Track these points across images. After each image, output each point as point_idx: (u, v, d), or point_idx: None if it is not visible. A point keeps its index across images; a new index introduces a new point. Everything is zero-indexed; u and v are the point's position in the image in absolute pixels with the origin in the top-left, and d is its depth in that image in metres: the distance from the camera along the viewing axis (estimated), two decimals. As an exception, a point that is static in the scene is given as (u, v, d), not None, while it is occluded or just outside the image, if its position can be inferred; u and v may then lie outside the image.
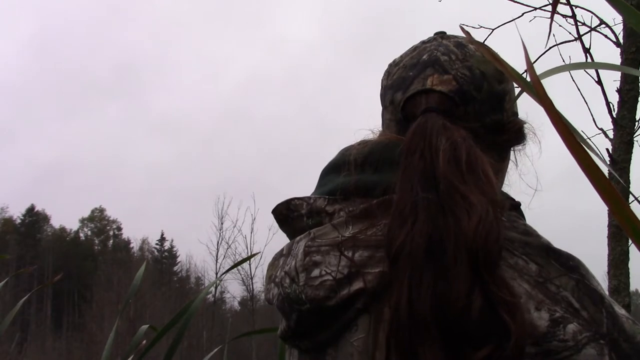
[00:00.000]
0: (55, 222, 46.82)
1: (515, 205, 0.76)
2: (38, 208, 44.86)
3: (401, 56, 0.89)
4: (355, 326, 0.70)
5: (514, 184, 0.89)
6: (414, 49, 0.88)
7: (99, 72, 60.91)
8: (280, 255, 0.80)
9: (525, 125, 0.89)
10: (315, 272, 0.72)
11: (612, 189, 0.30)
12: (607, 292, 0.68)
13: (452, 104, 0.80)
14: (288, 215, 0.81)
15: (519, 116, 0.89)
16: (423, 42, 0.88)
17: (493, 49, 0.89)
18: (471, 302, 0.63)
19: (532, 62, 0.35)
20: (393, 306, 0.66)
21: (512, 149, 0.89)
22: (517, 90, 0.89)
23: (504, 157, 0.87)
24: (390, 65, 0.90)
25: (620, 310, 0.66)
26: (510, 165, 0.91)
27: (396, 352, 0.65)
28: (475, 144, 0.75)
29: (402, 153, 0.75)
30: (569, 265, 0.66)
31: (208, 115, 59.05)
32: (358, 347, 0.70)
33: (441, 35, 0.89)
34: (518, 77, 0.46)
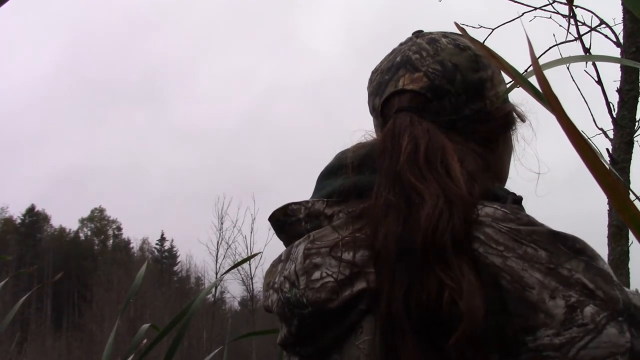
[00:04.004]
0: (56, 222, 46.86)
1: (517, 200, 0.76)
2: (38, 208, 44.92)
3: (381, 62, 0.89)
4: (360, 328, 0.69)
5: (522, 173, 0.89)
6: (392, 52, 0.89)
7: (124, 83, 61.38)
8: (278, 261, 0.79)
9: (515, 110, 0.89)
10: (316, 275, 0.71)
11: (616, 186, 0.29)
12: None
13: (424, 100, 0.80)
14: (285, 220, 0.81)
15: (508, 102, 0.88)
16: (400, 44, 0.89)
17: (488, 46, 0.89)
18: (442, 299, 0.63)
19: (537, 57, 0.35)
20: (379, 311, 0.67)
21: (510, 137, 0.88)
22: (507, 81, 0.88)
23: (494, 148, 0.85)
24: (372, 72, 0.90)
25: (627, 288, 0.66)
26: (514, 155, 0.90)
27: (381, 353, 0.66)
28: (444, 135, 0.75)
29: (377, 156, 0.76)
30: (576, 247, 0.66)
31: (228, 123, 59.19)
32: (364, 350, 0.68)
33: (417, 34, 0.89)
34: (515, 74, 0.45)
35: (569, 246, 0.65)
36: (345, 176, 0.78)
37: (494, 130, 0.85)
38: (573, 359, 0.61)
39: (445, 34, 0.87)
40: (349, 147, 0.83)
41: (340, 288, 0.69)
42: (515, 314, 0.63)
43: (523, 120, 0.90)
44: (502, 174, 0.89)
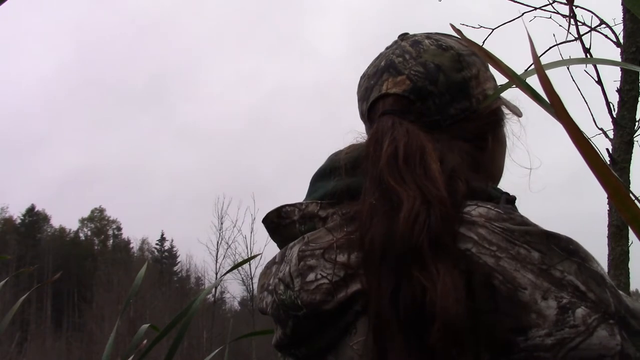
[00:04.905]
0: (56, 222, 46.88)
1: (511, 200, 0.76)
2: (38, 208, 44.91)
3: (368, 66, 0.89)
4: (354, 329, 0.69)
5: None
6: (378, 56, 0.89)
7: (132, 85, 61.66)
8: (272, 263, 0.79)
9: (507, 105, 0.88)
10: (311, 277, 0.71)
11: (618, 186, 0.29)
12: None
13: (408, 102, 0.81)
14: (279, 223, 0.81)
15: (498, 98, 0.87)
16: (386, 48, 0.89)
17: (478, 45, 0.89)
18: (425, 300, 0.63)
19: (539, 56, 0.34)
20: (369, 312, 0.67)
21: (501, 134, 0.88)
22: (495, 77, 0.88)
23: (483, 146, 0.84)
24: (360, 77, 0.90)
25: (619, 290, 0.66)
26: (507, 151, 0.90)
27: (372, 354, 0.66)
28: (427, 135, 0.75)
29: (363, 160, 0.77)
30: (569, 249, 0.66)
31: (230, 125, 59.18)
32: (358, 351, 0.69)
33: (402, 37, 0.89)
34: (512, 74, 0.45)
35: (562, 247, 0.65)
36: (339, 178, 0.78)
37: (482, 128, 0.84)
38: (562, 359, 0.61)
39: (429, 35, 0.87)
40: (342, 149, 0.83)
41: (335, 289, 0.69)
42: (506, 313, 0.63)
43: (519, 115, 0.90)
44: (494, 172, 0.88)
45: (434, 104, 0.81)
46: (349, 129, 0.86)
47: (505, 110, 0.89)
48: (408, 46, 0.85)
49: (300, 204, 0.80)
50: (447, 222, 0.67)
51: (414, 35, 0.88)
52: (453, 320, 0.62)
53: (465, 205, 0.70)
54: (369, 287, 0.68)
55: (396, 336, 0.64)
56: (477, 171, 0.79)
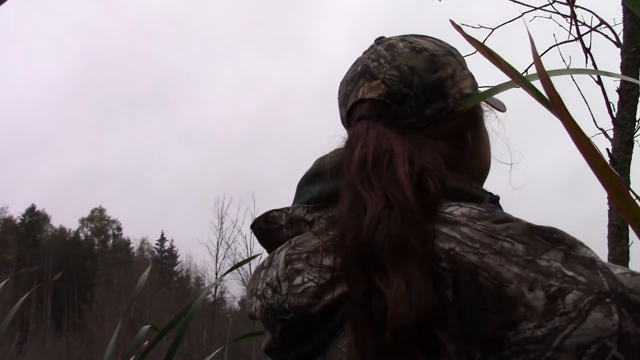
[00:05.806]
0: (56, 222, 46.90)
1: (494, 199, 0.76)
2: (38, 208, 44.92)
3: (346, 72, 0.90)
4: (342, 331, 0.69)
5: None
6: (355, 61, 0.89)
7: (134, 86, 61.78)
8: (261, 268, 0.80)
9: (487, 101, 0.88)
10: (298, 280, 0.71)
11: (619, 185, 0.29)
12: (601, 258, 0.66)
13: (384, 106, 0.81)
14: (267, 228, 0.81)
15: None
16: (363, 53, 0.89)
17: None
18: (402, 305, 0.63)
19: (539, 55, 0.34)
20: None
21: (482, 132, 0.88)
22: (472, 74, 0.88)
23: (463, 145, 0.84)
24: (340, 83, 0.90)
25: (616, 270, 0.64)
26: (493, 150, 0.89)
27: (353, 353, 0.66)
28: (401, 137, 0.75)
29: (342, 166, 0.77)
30: (554, 238, 0.65)
31: (234, 126, 59.23)
32: (347, 353, 0.68)
33: (377, 41, 0.89)
34: (513, 72, 0.45)
35: (547, 237, 0.65)
36: (324, 182, 0.79)
37: (460, 127, 0.84)
38: (557, 349, 0.60)
39: (403, 38, 0.87)
40: (327, 153, 0.83)
41: (322, 292, 0.70)
42: (494, 310, 0.62)
43: (502, 110, 0.89)
44: (478, 171, 0.88)
45: (410, 106, 0.81)
46: (333, 133, 0.86)
47: (485, 107, 0.89)
48: (383, 50, 0.85)
49: (287, 208, 0.80)
50: (412, 223, 0.67)
51: (390, 38, 0.88)
52: (402, 327, 0.61)
53: (448, 206, 0.70)
54: (347, 291, 0.68)
55: (369, 340, 0.64)
56: (458, 171, 0.79)
